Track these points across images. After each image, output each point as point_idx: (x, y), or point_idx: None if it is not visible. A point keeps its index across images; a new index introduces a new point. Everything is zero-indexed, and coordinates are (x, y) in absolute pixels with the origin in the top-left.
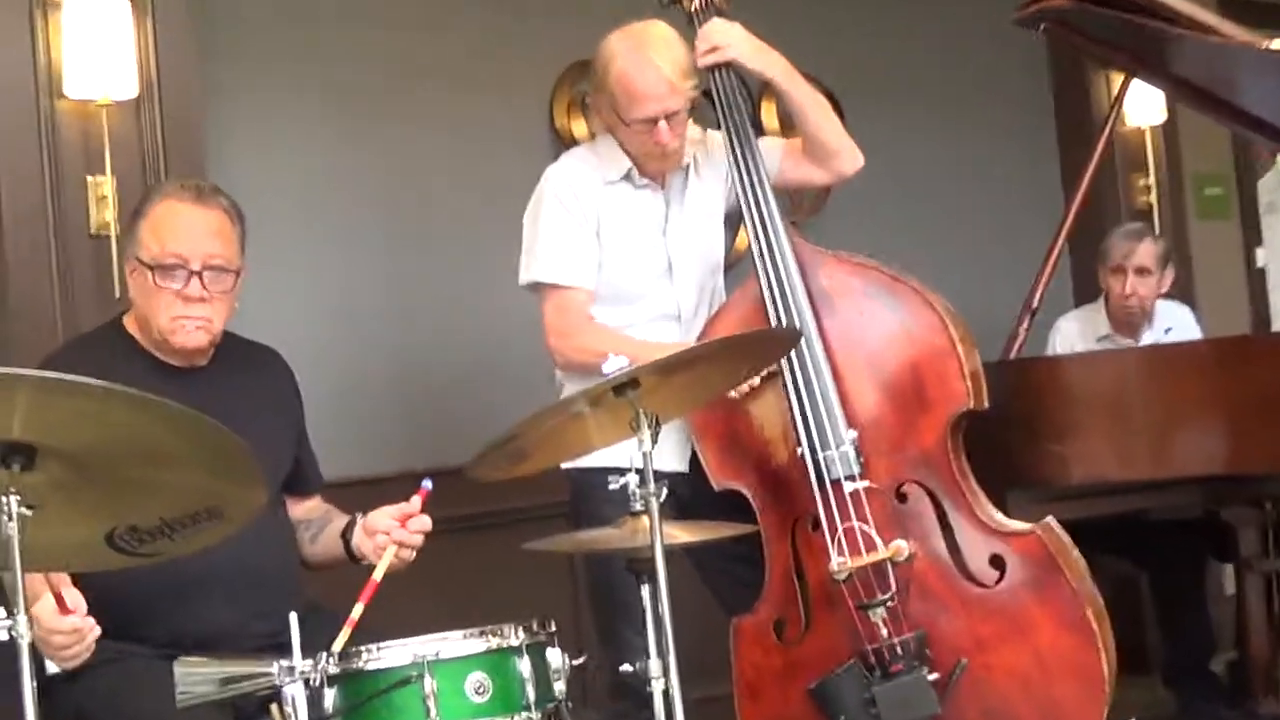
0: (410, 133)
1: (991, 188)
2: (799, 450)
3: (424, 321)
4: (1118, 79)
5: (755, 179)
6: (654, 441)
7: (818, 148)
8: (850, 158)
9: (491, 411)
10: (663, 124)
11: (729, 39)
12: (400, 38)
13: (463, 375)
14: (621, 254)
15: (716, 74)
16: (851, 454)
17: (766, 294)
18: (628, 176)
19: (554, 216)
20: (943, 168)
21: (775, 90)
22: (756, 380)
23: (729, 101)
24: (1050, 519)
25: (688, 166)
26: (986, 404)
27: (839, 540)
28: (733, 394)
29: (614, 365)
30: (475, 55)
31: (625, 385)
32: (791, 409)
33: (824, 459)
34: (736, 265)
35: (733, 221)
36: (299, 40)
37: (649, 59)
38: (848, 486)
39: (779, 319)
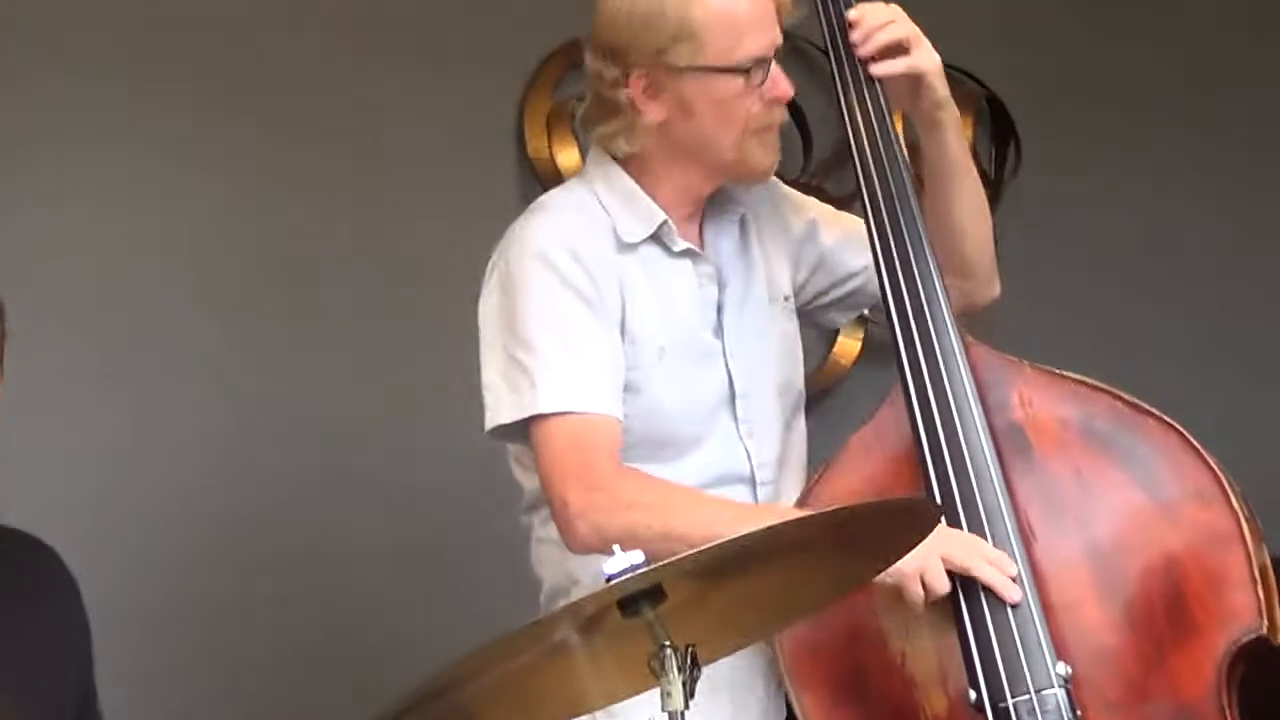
0: (290, 178)
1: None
2: (970, 697)
3: (307, 478)
4: None
5: (910, 239)
6: (690, 694)
7: (957, 255)
8: (990, 282)
9: (423, 639)
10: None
11: (919, 37)
12: (274, 28)
13: (370, 572)
14: (658, 368)
15: (861, 80)
16: (1063, 703)
17: (924, 435)
18: (659, 235)
19: (549, 301)
20: (1196, 233)
21: (933, 145)
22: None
23: (874, 112)
24: None
25: (742, 220)
26: None
27: None
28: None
29: (620, 562)
30: (404, 49)
31: (639, 596)
32: (961, 631)
33: (1015, 710)
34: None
35: (813, 318)
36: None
37: None
38: None
39: (941, 479)
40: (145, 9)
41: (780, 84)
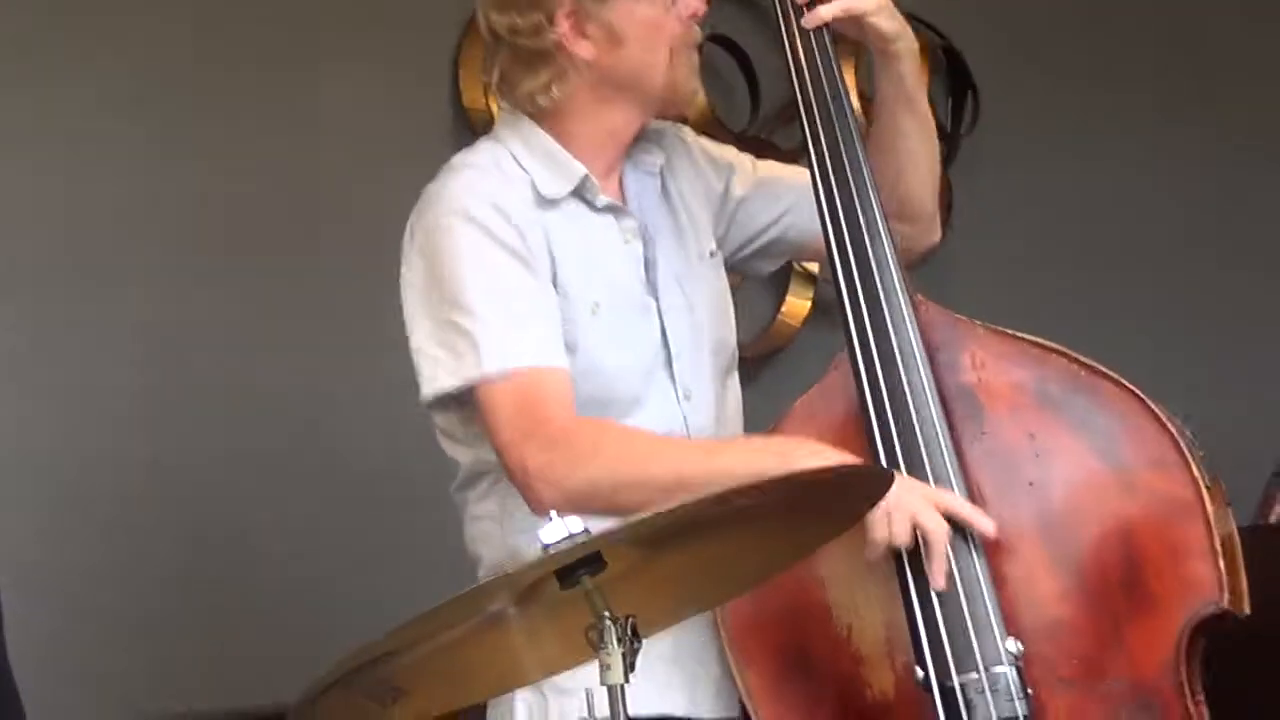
0: (217, 132)
1: (1247, 232)
2: (917, 675)
3: (240, 444)
4: None
5: (857, 192)
6: (630, 667)
7: (898, 195)
8: (932, 227)
9: (357, 611)
10: None
11: None
12: None
13: (303, 542)
14: (592, 324)
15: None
16: (1013, 681)
17: (869, 398)
18: (580, 191)
19: (478, 258)
20: (1160, 192)
21: (884, 76)
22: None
23: (821, 61)
24: None
25: (661, 173)
26: (1248, 607)
27: None
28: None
29: (558, 529)
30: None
31: (577, 565)
32: (907, 603)
33: (962, 689)
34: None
35: (739, 269)
36: None
37: None
38: None
39: (886, 445)
40: None
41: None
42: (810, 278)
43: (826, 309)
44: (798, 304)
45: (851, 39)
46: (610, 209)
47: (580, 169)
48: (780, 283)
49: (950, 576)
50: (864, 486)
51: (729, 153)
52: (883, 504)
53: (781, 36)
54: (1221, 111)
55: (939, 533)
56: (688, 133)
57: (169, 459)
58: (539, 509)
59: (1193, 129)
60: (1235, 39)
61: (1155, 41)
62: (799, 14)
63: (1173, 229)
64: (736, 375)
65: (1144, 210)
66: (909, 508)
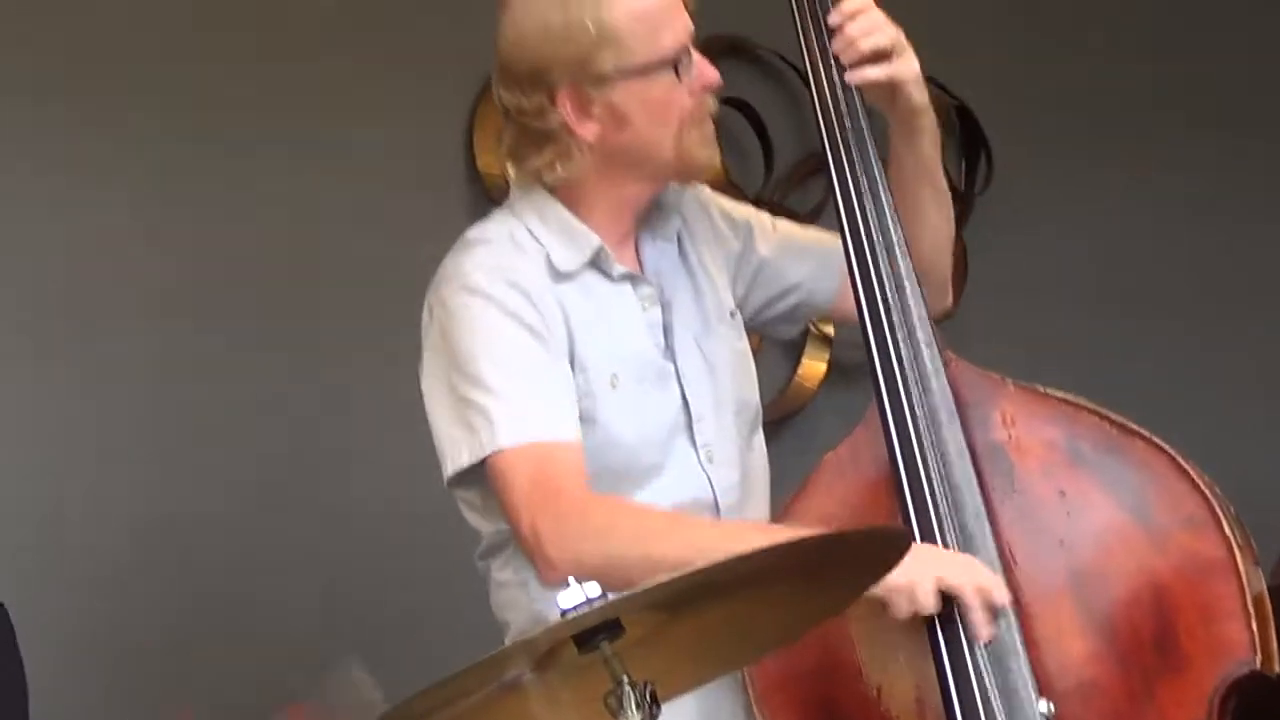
0: (234, 191)
1: (1263, 283)
2: None
3: (248, 511)
4: None
5: (886, 247)
6: None
7: (922, 268)
8: (944, 292)
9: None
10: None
11: (903, 44)
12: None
13: (313, 589)
14: (612, 397)
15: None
16: None
17: (899, 456)
18: (596, 262)
19: (491, 332)
20: (1175, 246)
21: (906, 149)
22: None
23: (850, 117)
24: None
25: (679, 236)
26: None
27: None
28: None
29: (576, 595)
30: (353, 61)
31: (595, 630)
32: (939, 664)
33: None
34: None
35: (760, 331)
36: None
37: None
38: None
39: (917, 503)
40: (83, 16)
41: (706, 71)
42: (826, 340)
43: (843, 371)
44: (814, 366)
45: (877, 109)
46: (627, 278)
47: (595, 240)
48: (796, 345)
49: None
50: (882, 548)
51: (747, 211)
52: (899, 579)
53: (811, 91)
54: (1235, 163)
55: (969, 588)
56: (705, 192)
57: (170, 508)
58: (550, 578)
59: (1207, 182)
60: (1249, 92)
61: (1167, 97)
62: (837, 71)
63: (1189, 282)
64: (761, 434)
65: (1159, 264)
66: (931, 573)
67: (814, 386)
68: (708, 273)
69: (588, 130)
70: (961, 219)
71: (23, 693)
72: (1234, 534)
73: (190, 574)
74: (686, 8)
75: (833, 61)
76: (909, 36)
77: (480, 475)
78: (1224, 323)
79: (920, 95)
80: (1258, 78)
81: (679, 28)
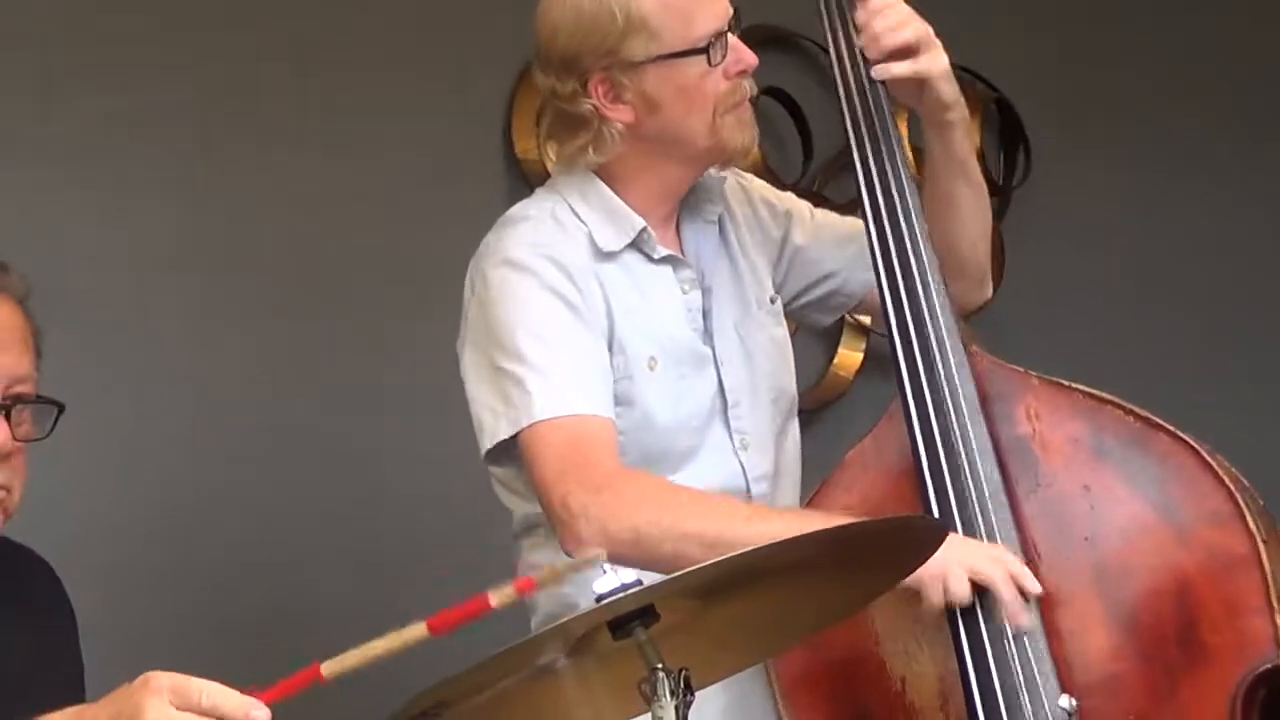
0: (275, 184)
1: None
2: None
3: (290, 490)
4: None
5: (910, 242)
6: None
7: (950, 254)
8: (983, 284)
9: (405, 658)
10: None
11: (930, 39)
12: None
13: (362, 584)
14: (650, 379)
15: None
16: None
17: (923, 450)
18: (637, 243)
19: (530, 305)
20: (1217, 241)
21: (938, 144)
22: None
23: (876, 113)
24: None
25: (720, 220)
26: None
27: None
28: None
29: (611, 580)
30: (390, 49)
31: (630, 616)
32: (960, 658)
33: None
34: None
35: (795, 319)
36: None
37: None
38: None
39: (940, 497)
40: (117, 14)
41: (742, 55)
42: (863, 330)
43: (879, 361)
44: (850, 356)
45: (905, 105)
46: (668, 260)
47: (639, 221)
48: (832, 335)
49: (1007, 630)
50: (916, 538)
51: (788, 199)
52: (934, 568)
53: (837, 87)
54: (1277, 163)
55: (1001, 576)
56: (747, 178)
57: (208, 508)
58: (574, 547)
59: (1250, 176)
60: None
61: (1210, 89)
62: (863, 66)
63: (1231, 279)
64: (796, 422)
65: (1199, 260)
66: (965, 562)
67: (850, 376)
68: (748, 258)
69: (620, 115)
70: (999, 212)
71: (77, 650)
72: (1259, 528)
73: (217, 564)
74: None
75: (859, 57)
76: (948, 30)
77: (517, 452)
78: (1261, 320)
79: (949, 90)
80: None
81: (714, 13)
